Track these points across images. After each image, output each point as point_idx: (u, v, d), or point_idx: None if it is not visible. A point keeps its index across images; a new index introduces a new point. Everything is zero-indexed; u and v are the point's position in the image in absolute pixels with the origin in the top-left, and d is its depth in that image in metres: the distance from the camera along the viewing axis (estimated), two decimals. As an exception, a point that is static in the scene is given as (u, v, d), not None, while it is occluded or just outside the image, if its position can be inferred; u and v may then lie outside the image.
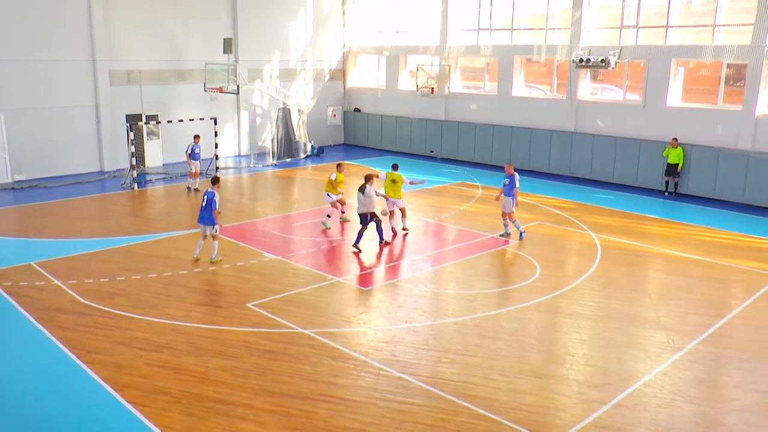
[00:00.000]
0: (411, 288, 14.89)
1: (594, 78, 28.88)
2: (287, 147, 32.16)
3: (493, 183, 26.25)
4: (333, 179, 19.60)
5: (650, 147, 25.43)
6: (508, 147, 29.83)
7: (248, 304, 13.62)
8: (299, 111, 32.91)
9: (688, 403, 10.25)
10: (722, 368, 11.66)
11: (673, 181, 24.85)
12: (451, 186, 26.34)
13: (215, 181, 16.61)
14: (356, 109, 37.15)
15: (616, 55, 26.07)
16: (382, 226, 18.18)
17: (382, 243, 17.96)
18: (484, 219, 20.97)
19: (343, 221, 20.59)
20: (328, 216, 19.77)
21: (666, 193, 25.02)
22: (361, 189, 17.37)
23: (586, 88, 28.42)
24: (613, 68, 26.24)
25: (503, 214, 18.89)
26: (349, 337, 12.28)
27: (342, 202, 20.19)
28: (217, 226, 16.30)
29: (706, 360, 11.77)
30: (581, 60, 26.49)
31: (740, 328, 13.12)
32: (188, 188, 24.72)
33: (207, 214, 16.14)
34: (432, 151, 33.00)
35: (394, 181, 19.17)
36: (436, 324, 12.97)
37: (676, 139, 24.54)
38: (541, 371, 11.11)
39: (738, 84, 24.79)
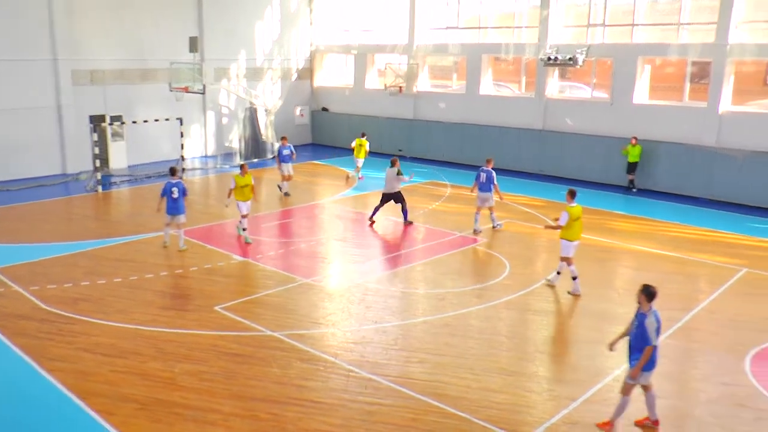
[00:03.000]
0: (380, 288, 14.90)
1: (562, 76, 29.17)
2: (254, 147, 31.99)
3: (463, 182, 26.39)
4: (232, 188, 17.84)
5: (618, 144, 25.74)
6: (477, 145, 29.98)
7: (216, 307, 13.51)
8: (266, 111, 32.74)
9: (658, 397, 10.36)
10: (689, 361, 11.87)
11: (630, 178, 25.20)
12: (420, 185, 26.39)
13: (175, 171, 17.49)
14: (324, 109, 37.08)
15: (584, 53, 26.36)
16: (406, 207, 20.07)
17: (407, 223, 20.03)
18: (453, 218, 21.05)
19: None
20: (244, 229, 18.17)
21: (632, 189, 25.34)
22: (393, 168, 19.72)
23: (555, 86, 28.69)
24: (580, 66, 26.53)
25: (480, 209, 19.21)
26: (319, 339, 12.25)
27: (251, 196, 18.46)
28: (184, 215, 17.49)
29: (675, 354, 11.96)
30: (549, 58, 26.74)
31: (706, 322, 13.36)
32: (284, 192, 24.15)
33: (181, 204, 17.23)
34: (400, 150, 33.05)
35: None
36: (405, 324, 12.99)
37: (635, 138, 24.87)
38: (511, 369, 11.18)
39: (703, 81, 25.22)
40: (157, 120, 27.56)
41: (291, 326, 12.72)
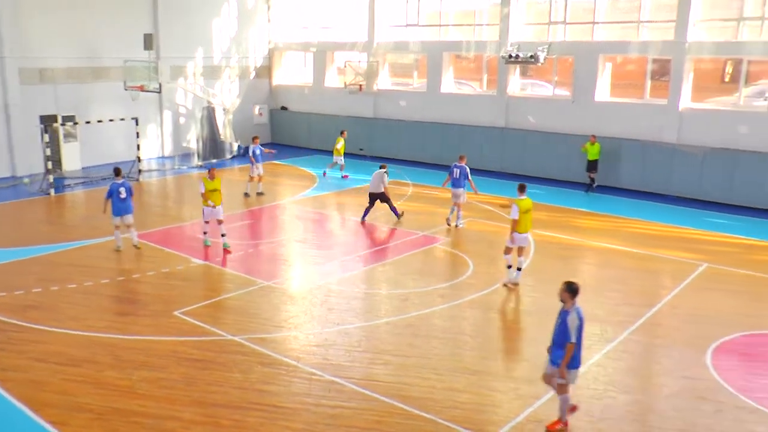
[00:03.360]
0: (342, 289, 14.86)
1: (523, 74, 29.44)
2: (213, 147, 31.68)
3: (425, 180, 26.49)
4: (203, 192, 17.29)
5: (580, 141, 26.02)
6: (439, 144, 30.10)
7: (175, 312, 13.34)
8: (224, 110, 32.46)
9: (621, 392, 10.56)
10: (652, 357, 12.08)
11: (591, 176, 25.44)
12: (382, 184, 26.44)
13: (119, 172, 17.49)
14: (283, 108, 36.88)
15: (545, 51, 26.62)
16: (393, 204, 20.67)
17: (399, 216, 20.60)
18: (415, 217, 21.10)
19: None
20: (223, 235, 17.45)
21: (592, 187, 25.56)
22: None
23: (516, 83, 28.94)
24: (542, 64, 26.78)
25: (457, 204, 19.68)
26: (280, 343, 12.18)
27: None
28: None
29: (638, 349, 12.16)
30: (510, 56, 26.95)
31: (668, 317, 13.60)
32: (258, 192, 24.18)
33: (129, 204, 17.23)
34: (361, 150, 33.01)
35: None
36: (368, 325, 12.99)
37: (594, 136, 25.18)
38: (476, 368, 11.25)
39: (663, 79, 25.69)
40: (111, 120, 27.10)
41: (252, 330, 12.62)
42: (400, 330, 12.75)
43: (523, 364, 11.56)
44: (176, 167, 29.86)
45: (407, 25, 31.75)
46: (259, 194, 24.07)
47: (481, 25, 29.55)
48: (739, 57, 23.81)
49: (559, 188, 25.78)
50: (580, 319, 9.03)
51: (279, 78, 37.16)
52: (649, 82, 25.69)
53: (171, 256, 17.01)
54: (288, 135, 36.53)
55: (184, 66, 32.46)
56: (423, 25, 31.44)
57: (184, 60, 32.48)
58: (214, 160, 31.13)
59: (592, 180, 25.42)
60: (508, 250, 15.12)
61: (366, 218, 20.58)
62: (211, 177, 17.31)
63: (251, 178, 23.95)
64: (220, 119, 32.23)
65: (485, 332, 13.02)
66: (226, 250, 17.24)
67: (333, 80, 35.28)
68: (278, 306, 13.99)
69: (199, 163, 30.40)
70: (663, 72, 25.77)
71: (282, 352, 11.76)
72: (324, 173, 27.26)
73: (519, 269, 15.26)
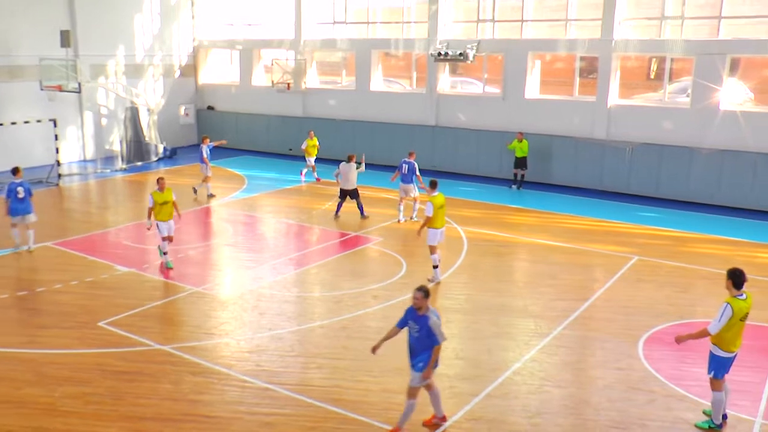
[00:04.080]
0: (274, 293, 14.74)
1: (453, 72, 29.76)
2: (137, 149, 30.95)
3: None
4: (151, 207, 16.03)
5: (511, 139, 26.42)
6: (369, 142, 30.12)
7: (100, 323, 12.97)
8: (149, 110, 31.77)
9: (557, 386, 10.78)
10: (587, 350, 12.37)
11: (520, 173, 25.78)
12: (311, 185, 26.39)
13: (18, 170, 17.37)
14: (210, 107, 36.34)
15: (474, 48, 26.97)
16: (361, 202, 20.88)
17: (365, 216, 20.72)
18: (347, 217, 21.09)
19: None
20: (165, 253, 16.35)
21: (513, 186, 25.80)
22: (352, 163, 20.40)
23: (446, 81, 29.22)
24: (471, 62, 27.13)
25: (402, 200, 20.45)
26: (211, 350, 11.99)
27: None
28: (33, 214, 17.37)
29: (572, 343, 12.45)
30: (439, 54, 27.21)
31: (601, 310, 13.97)
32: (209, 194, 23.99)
33: (28, 203, 17.13)
34: (291, 150, 32.78)
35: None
36: (301, 329, 12.92)
37: (521, 133, 25.59)
38: (412, 369, 11.30)
39: (591, 76, 26.37)
40: (27, 122, 26.17)
41: (181, 338, 12.39)
42: (334, 333, 12.72)
43: (459, 362, 11.67)
44: (99, 171, 29.03)
45: (335, 23, 31.71)
46: (211, 196, 23.91)
47: (410, 22, 29.75)
48: (662, 55, 24.70)
49: (491, 185, 26.16)
50: (439, 318, 9.19)
51: (205, 77, 36.58)
52: (577, 80, 26.31)
53: (95, 264, 16.54)
54: (215, 135, 35.60)
55: (104, 64, 31.60)
56: (351, 23, 31.45)
57: (105, 58, 31.62)
58: (139, 163, 30.44)
59: (522, 177, 25.77)
60: (433, 250, 15.32)
61: (339, 213, 21.06)
62: (161, 188, 15.94)
63: (207, 178, 23.81)
64: (145, 120, 31.51)
65: (421, 332, 13.10)
66: (168, 269, 16.09)
67: (260, 79, 34.93)
68: (208, 313, 13.76)
69: (123, 166, 29.65)
70: (591, 69, 26.45)
71: (213, 360, 11.58)
72: (311, 178, 26.57)
73: (435, 266, 15.54)
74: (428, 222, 15.07)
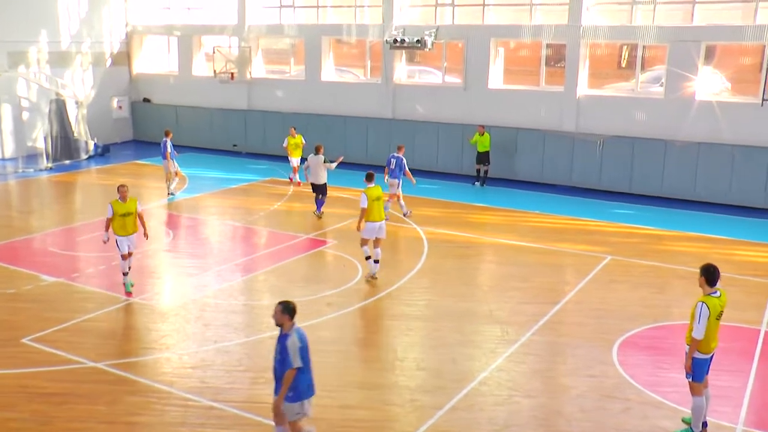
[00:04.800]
0: (219, 303, 14.63)
1: (411, 60, 29.86)
2: (64, 147, 30.39)
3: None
4: (109, 217, 14.74)
5: (473, 132, 26.61)
6: (321, 137, 29.83)
7: (24, 340, 12.70)
8: (77, 103, 31.26)
9: (526, 396, 10.90)
10: (558, 357, 12.53)
11: (483, 169, 25.95)
12: (259, 183, 26.25)
13: None
14: (146, 100, 35.90)
15: (433, 35, 27.09)
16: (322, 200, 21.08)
17: (318, 214, 21.02)
18: (298, 218, 21.06)
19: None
20: (125, 273, 15.20)
21: (476, 183, 26.03)
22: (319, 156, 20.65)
23: (403, 71, 29.32)
24: (430, 49, 27.22)
25: (392, 196, 20.86)
26: (151, 367, 11.85)
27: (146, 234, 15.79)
28: None
29: (542, 350, 12.59)
30: (395, 41, 27.25)
31: (573, 314, 14.18)
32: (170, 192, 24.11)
33: None
34: (235, 145, 32.59)
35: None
36: (250, 341, 12.85)
37: (483, 126, 25.74)
38: (370, 381, 11.34)
39: (559, 65, 26.70)
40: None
41: (117, 354, 12.23)
42: (286, 344, 12.65)
43: (421, 374, 11.71)
44: (20, 170, 28.44)
45: (281, 6, 31.55)
46: (171, 194, 24.04)
47: (363, 6, 29.76)
48: (634, 42, 25.06)
49: (452, 182, 26.31)
50: (302, 341, 8.65)
51: (140, 66, 36.12)
52: (544, 69, 26.61)
53: (17, 275, 16.20)
54: (152, 130, 35.46)
55: (25, 51, 30.99)
56: (299, 6, 31.35)
57: (25, 44, 31.00)
58: (67, 162, 29.92)
59: (485, 173, 25.94)
60: (364, 242, 15.86)
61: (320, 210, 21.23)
62: (123, 197, 14.68)
63: (175, 174, 24.03)
64: (73, 114, 30.99)
65: (379, 341, 13.12)
66: (128, 293, 14.98)
67: (201, 68, 34.62)
68: (147, 325, 13.62)
69: (49, 165, 29.10)
70: (558, 58, 26.79)
71: (153, 377, 11.44)
72: (297, 182, 25.70)
73: (376, 261, 15.92)
74: (364, 214, 15.57)
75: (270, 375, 11.37)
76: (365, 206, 15.53)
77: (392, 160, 21.17)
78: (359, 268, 16.58)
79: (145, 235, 15.44)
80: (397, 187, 21.11)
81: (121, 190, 14.78)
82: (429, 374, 11.67)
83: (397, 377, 11.57)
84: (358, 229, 15.77)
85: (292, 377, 8.51)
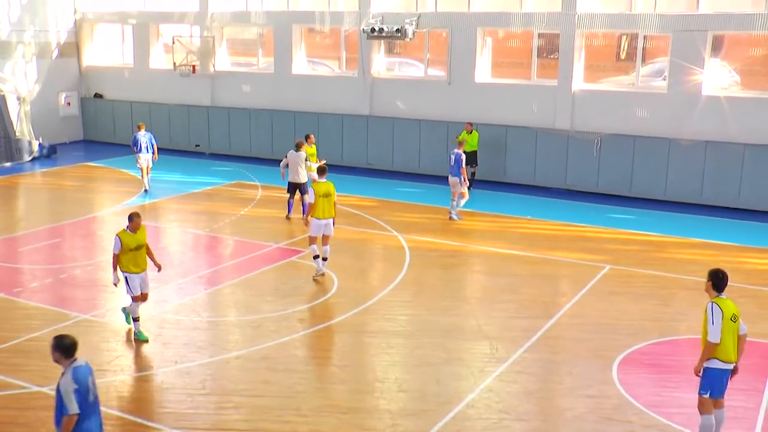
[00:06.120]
0: (180, 319, 14.59)
1: (390, 51, 29.92)
2: (5, 147, 30.21)
3: (275, 181, 26.28)
4: (117, 253, 13.29)
5: (459, 129, 26.67)
6: (292, 136, 29.93)
7: (-40, 360, 12.63)
8: (19, 98, 31.07)
9: (518, 420, 10.92)
10: (552, 375, 12.58)
11: (470, 170, 25.94)
12: (223, 187, 26.18)
13: None
14: (97, 95, 35.72)
15: (414, 23, 27.15)
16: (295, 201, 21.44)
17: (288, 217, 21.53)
18: (267, 226, 21.02)
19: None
20: (136, 319, 13.69)
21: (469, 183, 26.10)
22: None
23: (382, 63, 29.37)
24: (411, 39, 27.27)
25: (455, 195, 21.60)
26: (104, 390, 11.66)
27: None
28: None
29: (535, 368, 12.63)
30: (373, 30, 27.28)
31: (569, 328, 14.24)
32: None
33: None
34: (198, 146, 32.50)
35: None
36: (214, 361, 12.79)
37: (471, 124, 25.81)
38: (347, 405, 11.31)
39: (552, 56, 26.82)
40: None
41: (65, 376, 12.11)
42: (253, 364, 12.63)
43: (403, 395, 11.71)
44: (-44, 174, 28.25)
45: (248, -7, 31.57)
46: (146, 191, 25.06)
47: (338, -8, 29.82)
48: (634, 32, 25.21)
49: (436, 185, 26.29)
50: (80, 381, 7.88)
51: (91, 58, 35.93)
52: (536, 61, 26.72)
53: (-47, 289, 16.08)
54: (105, 130, 35.38)
55: (-41, 42, 30.80)
56: (268, -7, 31.37)
57: (-41, 34, 30.83)
58: (8, 164, 29.69)
59: (472, 175, 25.95)
60: (312, 240, 16.65)
61: (291, 213, 21.70)
62: (134, 228, 13.29)
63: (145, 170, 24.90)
64: (14, 111, 30.78)
65: (357, 360, 13.10)
66: (140, 341, 13.51)
67: (160, 60, 34.51)
68: (98, 344, 13.52)
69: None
70: (552, 49, 26.92)
71: (106, 402, 11.25)
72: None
73: (324, 259, 16.71)
74: (311, 210, 16.38)
75: (237, 399, 11.43)
76: (312, 201, 16.30)
77: (451, 156, 21.57)
78: (335, 280, 16.57)
79: (157, 266, 13.92)
80: (461, 185, 21.46)
81: (135, 220, 13.25)
82: (411, 396, 11.66)
83: (376, 400, 11.56)
84: (306, 224, 16.88)
85: (70, 426, 7.79)
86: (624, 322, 14.50)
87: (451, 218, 21.69)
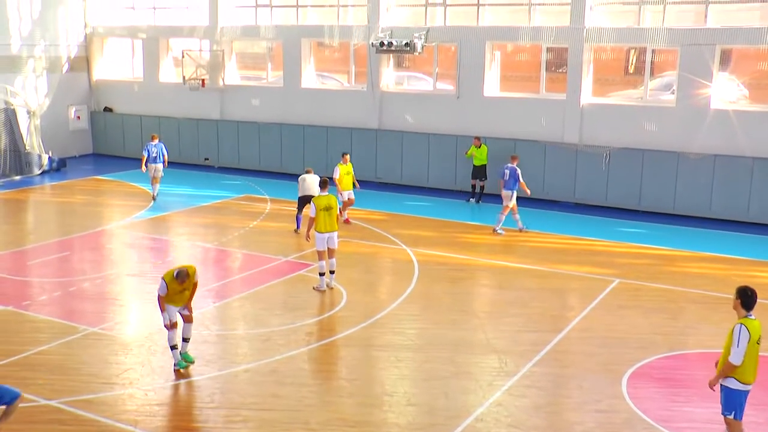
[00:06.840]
0: (189, 332, 14.57)
1: (399, 65, 29.98)
2: (14, 161, 30.35)
3: (285, 195, 26.38)
4: (162, 295, 12.81)
5: (468, 143, 26.69)
6: (301, 150, 30.14)
7: (-32, 374, 12.65)
8: (29, 112, 31.23)
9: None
10: (562, 390, 12.54)
11: (479, 184, 26.00)
12: (232, 201, 26.21)
13: None
14: (107, 109, 35.87)
15: (423, 37, 27.23)
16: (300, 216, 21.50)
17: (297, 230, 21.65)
18: (276, 239, 21.04)
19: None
20: (174, 347, 13.05)
21: (470, 199, 26.16)
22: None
23: (390, 77, 29.43)
24: (419, 53, 27.36)
25: (506, 209, 21.72)
26: (112, 404, 11.77)
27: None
28: None
29: (544, 382, 12.59)
30: (382, 44, 27.36)
31: (578, 342, 14.19)
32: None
33: None
34: (207, 159, 32.56)
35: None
36: (223, 374, 12.79)
37: (478, 138, 25.90)
38: (355, 418, 11.29)
39: (561, 70, 26.83)
40: None
41: (74, 391, 12.15)
42: (262, 378, 12.64)
43: (412, 409, 11.69)
44: (-34, 188, 28.37)
45: (257, 6, 31.66)
46: (154, 199, 25.67)
47: (346, 6, 29.91)
48: (642, 45, 25.24)
49: (445, 199, 26.36)
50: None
51: (101, 72, 36.11)
52: (544, 75, 26.75)
53: (-38, 302, 16.14)
54: (114, 143, 35.50)
55: (-31, 57, 30.98)
56: (277, 6, 31.47)
57: (-30, 49, 31.02)
58: (17, 177, 29.82)
59: (481, 189, 25.98)
60: (320, 255, 16.62)
61: (300, 227, 21.66)
62: (183, 279, 12.69)
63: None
64: (24, 125, 30.95)
65: (365, 374, 13.07)
66: (179, 371, 12.91)
67: (169, 74, 34.66)
68: (107, 358, 13.53)
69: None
70: (560, 63, 26.95)
71: (114, 415, 11.36)
72: (345, 220, 22.91)
73: (332, 272, 16.85)
74: (312, 224, 16.50)
75: (246, 413, 11.42)
76: (313, 215, 16.45)
77: (506, 171, 21.69)
78: (344, 294, 16.57)
79: (189, 309, 13.16)
80: (510, 199, 21.57)
81: (185, 274, 12.70)
82: (420, 410, 11.63)
83: (385, 414, 11.53)
84: (307, 238, 16.85)
85: None
86: (633, 336, 14.47)
87: (495, 232, 21.80)
